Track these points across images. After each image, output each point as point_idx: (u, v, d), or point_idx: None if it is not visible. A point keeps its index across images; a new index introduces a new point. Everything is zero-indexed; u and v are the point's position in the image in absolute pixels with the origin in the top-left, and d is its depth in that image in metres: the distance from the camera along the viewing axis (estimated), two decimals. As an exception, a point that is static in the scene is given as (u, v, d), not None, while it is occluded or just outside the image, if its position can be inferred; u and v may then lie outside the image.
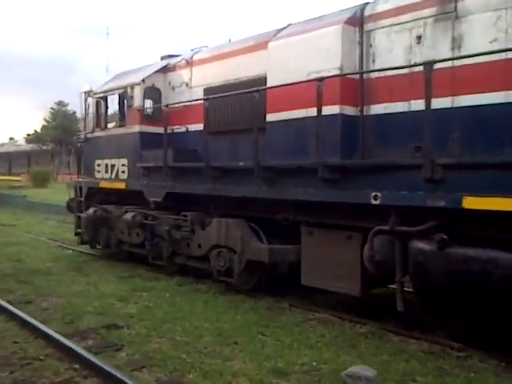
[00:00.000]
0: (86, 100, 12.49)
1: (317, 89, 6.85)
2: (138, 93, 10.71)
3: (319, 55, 7.40)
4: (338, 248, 7.42)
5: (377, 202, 6.43)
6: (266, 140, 8.12)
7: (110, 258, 11.86)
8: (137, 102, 10.74)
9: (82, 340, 6.37)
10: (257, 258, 8.44)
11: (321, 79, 6.87)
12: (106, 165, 11.64)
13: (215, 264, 9.02)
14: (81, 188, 12.60)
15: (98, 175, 12.00)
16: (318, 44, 7.41)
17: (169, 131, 10.46)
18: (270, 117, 8.06)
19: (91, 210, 11.77)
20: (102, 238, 11.89)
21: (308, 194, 7.26)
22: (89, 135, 12.40)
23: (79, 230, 12.66)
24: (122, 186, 11.08)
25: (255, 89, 8.01)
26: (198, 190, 9.16)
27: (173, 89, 10.69)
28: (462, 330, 6.80)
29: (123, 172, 11.09)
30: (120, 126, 11.34)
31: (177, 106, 10.22)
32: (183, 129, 10.32)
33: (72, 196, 13.10)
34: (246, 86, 8.79)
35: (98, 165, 11.95)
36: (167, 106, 9.73)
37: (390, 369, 5.52)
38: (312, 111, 7.38)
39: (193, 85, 10.23)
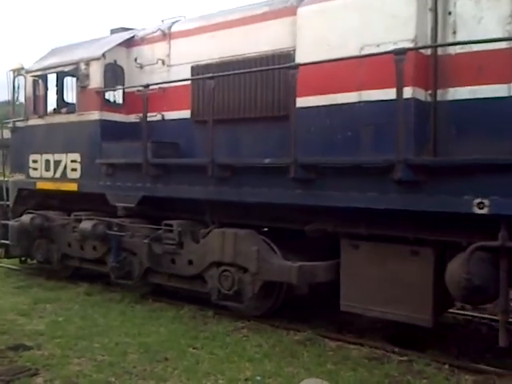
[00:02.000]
0: (14, 80, 9.92)
1: (396, 64, 5.32)
2: (96, 70, 8.48)
3: (380, 23, 5.90)
4: (398, 266, 5.98)
5: (483, 212, 5.05)
6: (294, 130, 6.48)
7: (43, 275, 9.59)
8: (95, 82, 8.51)
9: (-13, 367, 5.34)
10: (279, 279, 6.77)
11: (401, 51, 5.35)
12: (47, 161, 9.24)
13: (216, 286, 7.19)
14: (7, 189, 10.00)
15: (33, 174, 9.53)
16: (380, 8, 5.90)
17: (134, 119, 8.47)
18: (302, 101, 6.39)
19: (26, 218, 9.31)
20: (40, 251, 9.48)
21: (373, 200, 5.71)
22: (19, 124, 9.86)
23: (4, 241, 10.09)
24: (72, 187, 8.78)
25: (287, 65, 6.34)
26: (194, 194, 7.24)
27: (140, 67, 8.60)
28: (392, 333, 6.60)
29: (74, 170, 8.81)
30: (68, 113, 9.00)
31: (150, 88, 8.18)
32: (158, 117, 8.30)
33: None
34: (254, 64, 7.08)
35: (34, 161, 9.49)
36: (147, 86, 7.65)
37: (340, 379, 5.21)
38: (368, 95, 5.92)
39: (172, 62, 8.25)
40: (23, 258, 10.28)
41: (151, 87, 8.00)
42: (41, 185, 9.33)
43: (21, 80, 9.75)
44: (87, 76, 8.52)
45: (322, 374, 5.25)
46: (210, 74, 6.94)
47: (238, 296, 7.00)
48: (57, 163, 9.06)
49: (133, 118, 8.60)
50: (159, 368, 5.49)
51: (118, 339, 6.32)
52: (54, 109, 9.59)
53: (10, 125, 9.99)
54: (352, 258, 6.33)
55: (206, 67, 7.63)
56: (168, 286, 8.08)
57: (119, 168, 8.11)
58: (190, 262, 7.51)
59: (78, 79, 8.75)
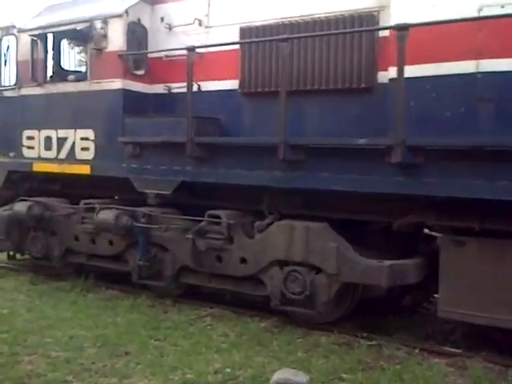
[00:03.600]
0: (1, 40, 8.26)
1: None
2: (117, 30, 7.04)
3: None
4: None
5: None
6: (382, 104, 5.47)
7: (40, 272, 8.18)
8: (115, 44, 7.06)
9: None
10: (364, 281, 5.76)
11: None
12: (47, 138, 7.73)
13: (278, 289, 6.08)
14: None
15: (28, 153, 7.99)
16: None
17: (161, 91, 7.15)
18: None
19: (21, 206, 7.77)
20: (36, 245, 7.98)
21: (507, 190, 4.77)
22: (8, 93, 8.24)
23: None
24: (82, 170, 7.35)
25: (393, 25, 5.28)
26: (253, 180, 6.05)
27: (169, 28, 7.22)
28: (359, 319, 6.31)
29: (85, 149, 7.37)
30: (77, 81, 7.52)
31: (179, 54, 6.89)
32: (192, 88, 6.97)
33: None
34: (326, 28, 5.97)
35: (30, 137, 7.94)
36: (193, 49, 6.32)
37: (312, 368, 4.97)
38: (489, 64, 4.97)
39: (212, 23, 6.93)
40: (11, 253, 8.69)
41: (182, 52, 6.72)
42: (39, 166, 7.81)
43: (10, 40, 8.11)
44: (104, 37, 7.07)
45: (293, 363, 5.03)
46: (285, 36, 5.74)
47: (308, 301, 5.93)
48: (61, 141, 7.58)
49: (158, 88, 7.25)
50: (120, 363, 5.06)
51: (71, 332, 5.81)
52: (51, 76, 8.06)
53: (-3, 94, 8.33)
54: (456, 257, 5.40)
55: (262, 30, 6.40)
56: (207, 288, 6.89)
57: (149, 148, 6.78)
58: (243, 261, 6.34)
59: (90, 40, 7.27)
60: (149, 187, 6.76)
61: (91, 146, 7.29)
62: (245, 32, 6.57)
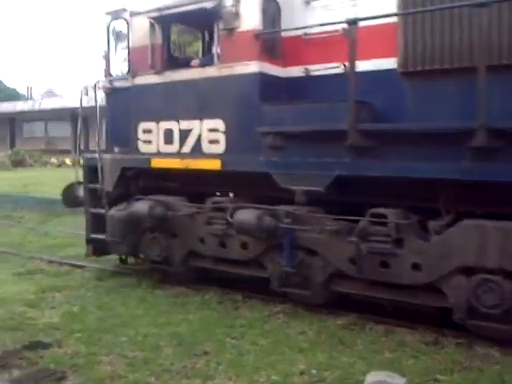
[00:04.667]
0: (109, 26, 7.55)
1: None
2: (251, 7, 6.19)
3: None
4: None
5: None
6: None
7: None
8: (249, 22, 6.22)
9: (3, 370, 4.75)
10: None
11: None
12: (168, 131, 6.98)
13: (464, 301, 5.16)
14: (96, 169, 7.71)
15: (145, 148, 7.26)
16: None
17: (297, 74, 6.28)
18: None
19: (142, 206, 7.07)
20: (155, 248, 7.27)
21: None
22: (120, 83, 7.53)
23: (95, 236, 7.87)
24: (211, 165, 6.56)
25: None
26: (435, 173, 5.12)
27: (306, 2, 6.32)
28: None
29: (213, 142, 6.58)
30: (203, 66, 6.73)
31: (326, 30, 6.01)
32: (337, 69, 6.08)
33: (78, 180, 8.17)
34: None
35: (147, 131, 7.21)
36: (354, 22, 5.40)
37: (403, 369, 4.69)
38: None
39: (362, -6, 5.99)
40: (123, 257, 8.04)
41: (333, 27, 5.85)
42: (158, 162, 7.07)
43: (122, 26, 7.38)
44: (236, 15, 6.24)
45: (381, 364, 4.79)
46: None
47: (507, 316, 4.99)
48: (184, 133, 6.81)
49: (294, 71, 6.39)
50: (201, 363, 4.92)
51: (145, 330, 5.67)
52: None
53: (107, 85, 7.62)
54: None
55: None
56: (361, 296, 6.03)
57: (295, 138, 5.91)
58: (416, 267, 5.44)
59: (218, 20, 6.45)
60: (295, 183, 5.92)
61: (221, 138, 6.49)
62: (403, 2, 5.60)
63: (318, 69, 6.19)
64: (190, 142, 6.76)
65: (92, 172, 7.83)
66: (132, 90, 7.31)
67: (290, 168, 5.98)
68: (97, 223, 7.91)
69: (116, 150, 7.66)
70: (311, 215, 6.01)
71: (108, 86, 7.59)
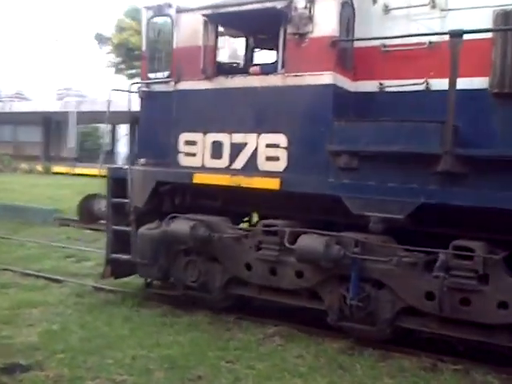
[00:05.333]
0: (149, 22, 6.88)
1: None
2: (328, 10, 5.65)
3: None
4: None
5: None
6: None
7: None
8: (325, 27, 5.67)
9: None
10: None
11: None
12: (216, 144, 6.33)
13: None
14: (123, 181, 6.97)
15: (186, 161, 6.58)
16: None
17: (370, 88, 5.78)
18: None
19: (181, 225, 6.36)
20: (193, 273, 6.57)
21: None
22: (159, 87, 6.84)
23: (117, 256, 7.11)
24: (268, 184, 5.93)
25: None
26: None
27: (385, 10, 5.84)
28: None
29: (271, 159, 5.97)
30: (265, 74, 6.13)
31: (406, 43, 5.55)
32: (420, 86, 5.60)
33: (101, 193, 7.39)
34: None
35: (190, 142, 6.53)
36: (461, 34, 4.92)
37: None
38: None
39: (451, 5, 5.54)
40: (148, 281, 7.27)
41: (417, 40, 5.39)
42: (202, 178, 6.39)
43: (164, 23, 6.72)
44: (310, 19, 5.68)
45: None
46: None
47: None
48: (237, 147, 6.18)
49: (366, 85, 5.87)
50: None
51: (133, 352, 5.34)
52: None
53: (144, 88, 6.91)
54: None
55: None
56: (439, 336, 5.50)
57: (373, 160, 5.38)
58: (503, 305, 4.96)
59: (286, 23, 5.88)
60: (370, 209, 5.36)
61: (282, 154, 5.89)
62: (502, 17, 5.18)
63: (396, 84, 5.69)
64: (243, 157, 6.13)
65: (118, 185, 7.07)
66: (174, 96, 6.63)
67: (365, 192, 5.43)
68: (119, 242, 7.15)
69: (142, 161, 6.94)
70: (384, 245, 5.46)
71: (145, 89, 6.88)
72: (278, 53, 6.08)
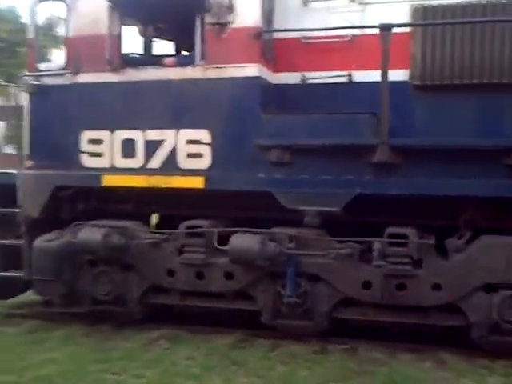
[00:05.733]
0: (35, 7, 6.02)
1: None
2: (249, 0, 5.44)
3: None
4: None
5: None
6: None
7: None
8: (247, 18, 5.42)
9: None
10: None
11: None
12: (127, 142, 5.77)
13: (485, 317, 5.12)
14: (10, 188, 6.07)
15: (91, 162, 5.89)
16: None
17: (291, 81, 5.77)
18: None
19: (91, 233, 5.71)
20: (104, 286, 5.96)
21: None
22: (52, 80, 6.02)
23: (4, 275, 6.21)
24: (192, 183, 5.58)
25: None
26: (469, 190, 5.00)
27: (304, 3, 5.78)
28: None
29: (194, 156, 5.60)
30: (183, 65, 5.70)
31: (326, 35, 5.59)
32: (342, 78, 5.66)
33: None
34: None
35: (95, 141, 5.86)
36: (390, 27, 5.01)
37: (300, 381, 4.72)
38: None
39: (370, -1, 5.67)
40: (47, 298, 6.40)
41: (347, 32, 5.47)
42: (113, 180, 5.79)
43: (57, 9, 5.95)
44: (229, 8, 5.42)
45: (278, 380, 4.73)
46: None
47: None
48: (153, 145, 5.69)
49: (287, 77, 5.79)
50: None
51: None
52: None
53: (32, 81, 6.02)
54: None
55: (443, 11, 5.34)
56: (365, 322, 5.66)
57: (307, 153, 5.31)
58: (436, 287, 5.25)
59: (204, 13, 5.53)
60: (305, 203, 5.30)
61: (205, 151, 5.56)
62: (418, 12, 5.44)
63: (318, 76, 5.68)
64: (161, 155, 5.68)
65: (3, 192, 6.13)
66: (72, 90, 5.90)
67: (298, 186, 5.35)
68: (5, 258, 6.23)
69: (29, 164, 6.13)
70: (319, 238, 5.45)
71: (34, 82, 6.03)
72: (196, 44, 5.68)
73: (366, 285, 5.37)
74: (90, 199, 6.15)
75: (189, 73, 5.61)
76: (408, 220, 5.41)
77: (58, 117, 5.98)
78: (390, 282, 5.28)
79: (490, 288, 5.16)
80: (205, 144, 5.56)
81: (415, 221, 5.41)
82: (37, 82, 6.03)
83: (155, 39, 6.97)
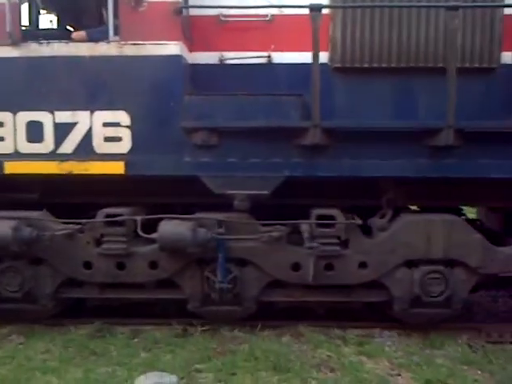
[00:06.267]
0: None
1: None
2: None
3: None
4: None
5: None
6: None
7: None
8: (167, -9, 5.08)
9: None
10: (502, 271, 5.54)
11: None
12: (33, 124, 5.18)
13: (408, 292, 5.42)
14: None
15: (-13, 147, 5.25)
16: None
17: (209, 60, 5.59)
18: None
19: (1, 226, 5.12)
20: (13, 282, 5.43)
21: None
22: None
23: None
24: (110, 168, 5.18)
25: None
26: (392, 171, 5.17)
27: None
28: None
29: (112, 140, 5.18)
30: (95, 40, 5.19)
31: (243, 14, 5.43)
32: (261, 59, 5.53)
33: None
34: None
35: (-8, 124, 5.22)
36: (320, 8, 4.91)
37: (164, 366, 4.73)
38: None
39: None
40: None
41: (266, 12, 5.34)
42: (17, 167, 5.19)
43: None
44: (148, -21, 5.02)
45: (142, 366, 4.69)
46: (454, 3, 4.93)
47: (445, 301, 5.42)
48: (63, 128, 5.17)
49: (204, 57, 5.54)
50: None
51: None
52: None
53: None
54: None
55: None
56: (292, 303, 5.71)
57: (234, 136, 5.14)
58: (362, 265, 5.43)
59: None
60: (234, 187, 5.16)
61: (125, 134, 5.16)
62: (337, -7, 5.44)
63: (235, 57, 5.49)
64: (74, 139, 5.18)
65: None
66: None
67: (226, 170, 5.19)
68: None
69: None
70: (249, 222, 5.35)
71: None
72: (108, 17, 5.20)
73: (295, 266, 5.40)
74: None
75: (103, 49, 5.12)
76: (331, 201, 5.50)
77: None
78: (320, 263, 5.35)
79: (411, 264, 5.43)
80: (123, 127, 5.16)
81: (338, 202, 5.51)
82: None
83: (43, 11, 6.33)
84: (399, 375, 4.67)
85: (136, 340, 5.33)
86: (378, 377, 4.60)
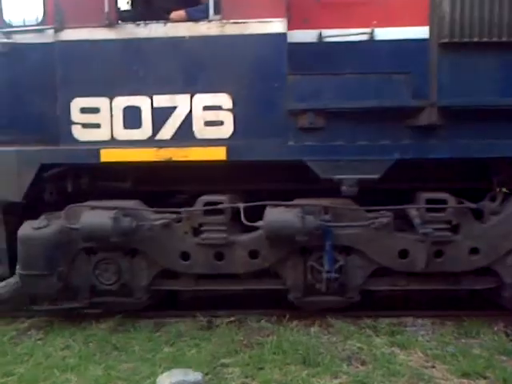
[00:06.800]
0: None
1: None
2: None
3: None
4: None
5: None
6: None
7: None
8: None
9: None
10: None
11: None
12: (130, 109, 4.96)
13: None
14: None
15: (85, 134, 5.01)
16: None
17: (308, 39, 5.29)
18: None
19: (97, 218, 4.92)
20: (109, 275, 5.23)
21: None
22: (26, 38, 4.99)
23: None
24: (212, 154, 4.95)
25: None
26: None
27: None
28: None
29: (213, 124, 4.95)
30: (195, 20, 4.94)
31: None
32: (363, 36, 5.25)
33: None
34: None
35: (89, 109, 4.97)
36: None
37: (188, 361, 4.48)
38: None
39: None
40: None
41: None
42: (113, 154, 4.98)
43: None
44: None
45: (165, 361, 4.46)
46: None
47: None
48: (162, 113, 4.94)
49: (304, 35, 5.24)
50: None
51: None
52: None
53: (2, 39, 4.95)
54: None
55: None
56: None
57: (341, 117, 4.88)
58: (473, 251, 5.16)
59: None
60: (342, 172, 4.91)
61: (226, 118, 4.92)
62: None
63: (336, 34, 5.20)
64: (173, 124, 4.95)
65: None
66: (56, 49, 4.92)
67: (333, 154, 4.93)
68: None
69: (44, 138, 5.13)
70: (354, 208, 5.10)
71: (2, 40, 4.96)
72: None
73: (403, 253, 5.15)
74: (81, 178, 5.27)
75: (202, 29, 4.87)
76: (439, 184, 5.24)
77: (36, 82, 5.02)
78: (429, 250, 5.10)
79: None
80: (225, 110, 4.92)
81: (445, 184, 5.25)
82: (7, 40, 4.97)
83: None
84: (434, 367, 4.37)
85: (159, 334, 5.12)
86: (411, 369, 4.31)
